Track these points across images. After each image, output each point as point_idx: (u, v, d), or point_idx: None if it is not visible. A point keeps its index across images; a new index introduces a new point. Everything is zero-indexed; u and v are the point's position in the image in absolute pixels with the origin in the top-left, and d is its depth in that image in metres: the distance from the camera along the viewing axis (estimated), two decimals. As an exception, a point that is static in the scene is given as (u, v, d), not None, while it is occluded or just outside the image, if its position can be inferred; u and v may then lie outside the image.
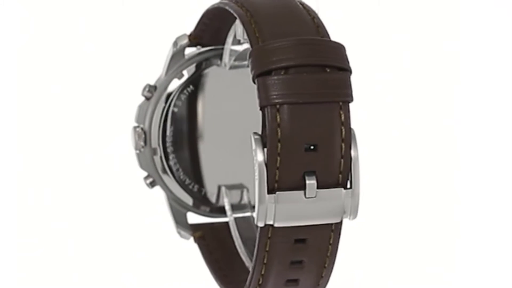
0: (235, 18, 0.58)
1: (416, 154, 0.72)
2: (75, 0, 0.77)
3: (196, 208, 0.65)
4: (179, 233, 0.64)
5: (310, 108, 0.48)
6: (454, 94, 0.71)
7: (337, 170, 0.49)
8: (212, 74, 0.63)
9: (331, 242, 0.51)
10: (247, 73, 0.62)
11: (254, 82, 0.50)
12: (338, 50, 0.50)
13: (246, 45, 0.59)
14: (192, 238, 0.65)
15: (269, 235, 0.50)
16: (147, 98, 0.62)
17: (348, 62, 0.50)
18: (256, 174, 0.49)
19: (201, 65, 0.62)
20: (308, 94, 0.48)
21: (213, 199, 0.65)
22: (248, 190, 0.64)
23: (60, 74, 0.76)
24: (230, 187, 0.64)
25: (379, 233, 0.67)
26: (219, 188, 0.64)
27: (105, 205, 0.71)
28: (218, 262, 0.63)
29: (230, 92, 0.63)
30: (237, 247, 0.63)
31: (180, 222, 0.64)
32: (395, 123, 0.75)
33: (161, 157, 0.62)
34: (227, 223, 0.65)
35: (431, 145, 0.72)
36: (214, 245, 0.64)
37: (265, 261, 0.52)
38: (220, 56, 0.62)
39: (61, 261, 0.66)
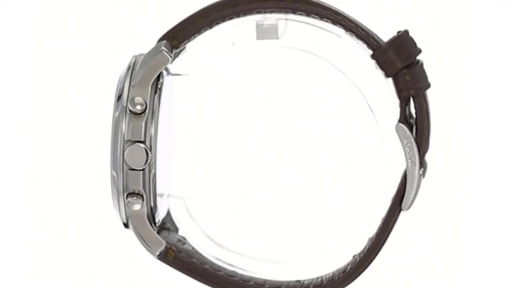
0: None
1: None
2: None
3: (154, 225, 0.58)
4: (154, 252, 0.57)
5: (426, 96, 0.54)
6: (454, 94, 0.73)
7: None
8: (165, 84, 0.58)
9: None
10: (180, 82, 0.60)
11: (392, 77, 0.53)
12: None
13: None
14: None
15: (396, 219, 0.54)
16: (139, 113, 0.55)
17: None
18: (411, 160, 0.53)
19: (162, 74, 0.57)
20: (426, 82, 0.54)
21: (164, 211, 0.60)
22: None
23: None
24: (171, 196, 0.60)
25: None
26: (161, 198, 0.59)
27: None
28: (217, 270, 0.58)
29: (168, 102, 0.60)
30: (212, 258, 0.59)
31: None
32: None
33: (154, 173, 0.56)
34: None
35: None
36: (196, 258, 0.58)
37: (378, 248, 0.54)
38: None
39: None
